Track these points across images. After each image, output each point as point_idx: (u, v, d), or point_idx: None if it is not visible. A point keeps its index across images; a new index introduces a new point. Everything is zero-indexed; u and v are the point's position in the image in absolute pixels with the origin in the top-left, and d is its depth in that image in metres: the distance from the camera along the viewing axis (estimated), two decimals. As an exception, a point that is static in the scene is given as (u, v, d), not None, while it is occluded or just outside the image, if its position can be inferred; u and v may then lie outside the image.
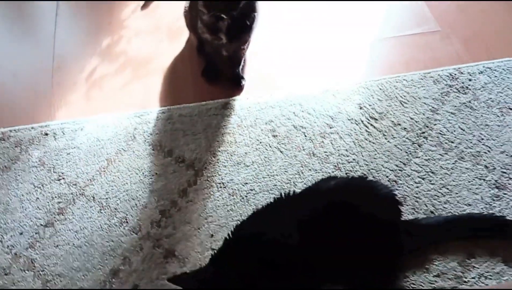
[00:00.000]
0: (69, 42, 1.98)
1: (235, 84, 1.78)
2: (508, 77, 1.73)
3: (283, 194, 1.28)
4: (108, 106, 1.76)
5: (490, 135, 1.60)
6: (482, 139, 1.59)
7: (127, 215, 1.47)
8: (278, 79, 1.82)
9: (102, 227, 1.45)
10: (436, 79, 1.74)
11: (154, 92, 1.81)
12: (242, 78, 1.79)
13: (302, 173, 1.54)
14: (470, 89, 1.71)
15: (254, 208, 1.46)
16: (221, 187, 1.52)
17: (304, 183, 1.50)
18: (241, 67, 1.79)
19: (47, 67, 1.89)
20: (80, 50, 1.94)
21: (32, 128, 1.68)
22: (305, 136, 1.62)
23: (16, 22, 2.10)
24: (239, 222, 1.34)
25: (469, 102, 1.67)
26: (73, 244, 1.42)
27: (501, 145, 1.57)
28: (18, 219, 1.47)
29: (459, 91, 1.70)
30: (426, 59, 1.84)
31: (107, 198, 1.51)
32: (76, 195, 1.52)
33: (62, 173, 1.57)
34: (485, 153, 1.56)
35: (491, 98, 1.68)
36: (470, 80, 1.73)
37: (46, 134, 1.66)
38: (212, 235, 1.42)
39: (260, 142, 1.62)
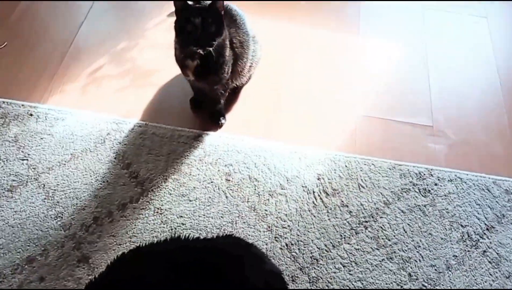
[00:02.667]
0: (90, 35, 2.09)
1: (213, 121, 1.81)
2: (474, 193, 1.65)
3: (175, 235, 1.30)
4: (97, 105, 1.85)
5: (429, 245, 1.53)
6: (419, 246, 1.53)
7: (64, 211, 1.55)
8: (257, 127, 1.83)
9: (39, 215, 1.53)
10: (403, 173, 1.69)
11: (142, 104, 1.87)
12: (222, 116, 1.81)
13: (236, 223, 1.55)
14: (431, 194, 1.64)
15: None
16: (157, 212, 1.57)
17: (233, 233, 1.52)
18: (221, 105, 1.80)
19: (62, 52, 2.01)
20: (96, 46, 2.05)
21: (22, 105, 1.80)
22: (255, 189, 1.64)
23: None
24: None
25: (425, 206, 1.61)
26: (7, 222, 1.51)
27: (435, 259, 1.50)
28: (-30, 183, 1.58)
29: (420, 192, 1.65)
30: (404, 151, 1.78)
31: (54, 190, 1.59)
32: (31, 178, 1.61)
33: (28, 155, 1.67)
34: (416, 261, 1.50)
35: (447, 209, 1.61)
36: (436, 184, 1.67)
37: (31, 115, 1.77)
38: (128, 255, 1.47)
39: (212, 182, 1.65)
